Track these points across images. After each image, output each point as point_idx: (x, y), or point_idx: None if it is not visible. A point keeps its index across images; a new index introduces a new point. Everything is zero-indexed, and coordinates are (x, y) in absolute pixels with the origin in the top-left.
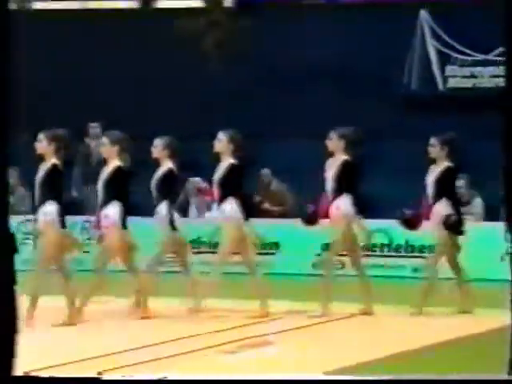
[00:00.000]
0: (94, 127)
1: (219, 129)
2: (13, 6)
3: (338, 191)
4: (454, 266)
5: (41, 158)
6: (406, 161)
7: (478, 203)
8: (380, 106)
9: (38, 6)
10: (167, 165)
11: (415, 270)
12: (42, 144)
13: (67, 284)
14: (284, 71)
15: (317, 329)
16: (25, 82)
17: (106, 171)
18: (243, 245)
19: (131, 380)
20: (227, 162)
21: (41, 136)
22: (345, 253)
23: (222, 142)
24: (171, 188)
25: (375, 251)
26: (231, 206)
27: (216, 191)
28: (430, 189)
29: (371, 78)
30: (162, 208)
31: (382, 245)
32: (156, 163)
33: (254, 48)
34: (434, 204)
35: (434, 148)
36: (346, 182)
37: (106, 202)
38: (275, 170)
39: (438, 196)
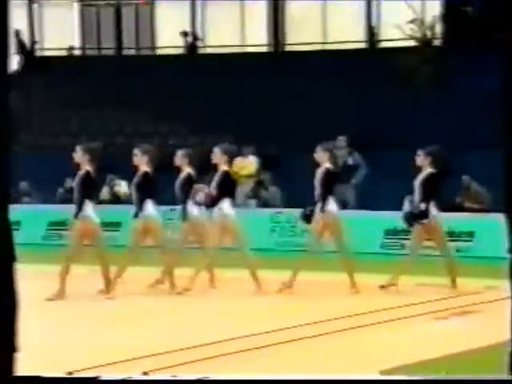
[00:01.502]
0: (341, 140)
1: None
2: None
3: (323, 195)
4: (439, 247)
5: (77, 166)
6: None
7: None
8: None
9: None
10: (186, 170)
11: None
12: (78, 155)
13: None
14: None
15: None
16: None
17: (137, 176)
18: (231, 235)
19: (133, 380)
20: (221, 169)
21: (77, 148)
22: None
23: (216, 155)
24: (189, 188)
25: None
26: (225, 205)
27: (213, 194)
28: (416, 191)
29: None
30: (181, 205)
31: None
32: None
33: (459, 83)
34: (420, 202)
35: (420, 157)
36: (328, 186)
37: (139, 200)
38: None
39: (421, 195)
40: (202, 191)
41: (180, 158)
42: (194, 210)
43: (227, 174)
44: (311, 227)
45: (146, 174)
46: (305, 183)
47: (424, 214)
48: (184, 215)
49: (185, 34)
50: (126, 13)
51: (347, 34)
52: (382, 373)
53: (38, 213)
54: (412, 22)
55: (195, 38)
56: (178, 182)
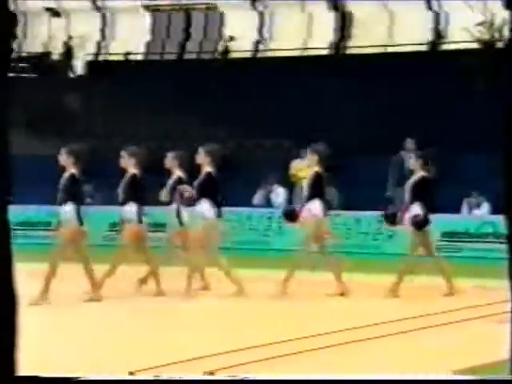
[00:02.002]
0: (410, 143)
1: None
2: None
3: (310, 196)
4: (429, 253)
5: (63, 169)
6: None
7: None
8: None
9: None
10: (177, 173)
11: None
12: (63, 157)
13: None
14: None
15: None
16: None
17: (125, 177)
18: (213, 236)
19: (133, 380)
20: (205, 170)
21: (62, 151)
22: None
23: (200, 155)
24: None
25: None
26: (206, 207)
27: (195, 195)
28: (407, 193)
29: None
30: (174, 207)
31: None
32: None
33: None
34: (410, 205)
35: (411, 160)
36: (317, 189)
37: (124, 202)
38: None
39: (412, 199)
40: (183, 192)
41: (170, 160)
42: (184, 212)
43: (210, 176)
44: (297, 227)
45: (133, 176)
46: (363, 185)
47: (426, 221)
48: (180, 219)
49: (231, 38)
50: (195, 17)
51: (413, 36)
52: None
53: (100, 214)
54: (481, 24)
55: (261, 41)
56: (167, 185)
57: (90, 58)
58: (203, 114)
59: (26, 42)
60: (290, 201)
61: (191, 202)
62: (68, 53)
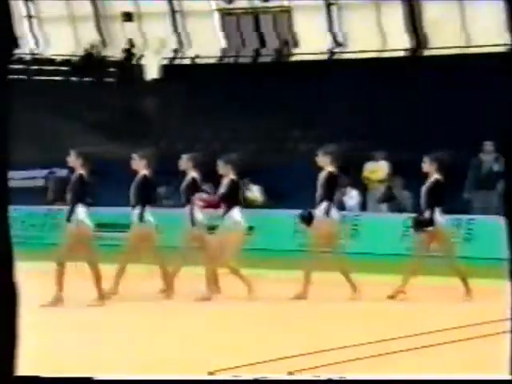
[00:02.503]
0: (488, 145)
1: None
2: None
3: (323, 197)
4: (446, 253)
5: (72, 170)
6: None
7: None
8: None
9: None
10: (191, 175)
11: None
12: (71, 159)
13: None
14: None
15: None
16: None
17: (136, 179)
18: (238, 241)
19: (129, 380)
20: (228, 178)
21: (71, 152)
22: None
23: (221, 165)
24: (194, 193)
25: None
26: (235, 214)
27: (221, 202)
28: (423, 197)
29: None
30: (187, 208)
31: None
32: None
33: None
34: (426, 209)
35: (425, 164)
36: (327, 189)
37: (136, 203)
38: None
39: (428, 202)
40: (205, 199)
41: (185, 161)
42: (198, 214)
43: (234, 183)
44: (310, 230)
45: (144, 177)
46: None
47: (429, 222)
48: (192, 220)
49: (285, 42)
50: (264, 20)
51: (489, 36)
52: None
53: (177, 216)
54: None
55: (336, 43)
56: (182, 187)
57: (165, 61)
58: (277, 117)
59: (104, 47)
60: (363, 203)
61: (212, 207)
62: (143, 57)
